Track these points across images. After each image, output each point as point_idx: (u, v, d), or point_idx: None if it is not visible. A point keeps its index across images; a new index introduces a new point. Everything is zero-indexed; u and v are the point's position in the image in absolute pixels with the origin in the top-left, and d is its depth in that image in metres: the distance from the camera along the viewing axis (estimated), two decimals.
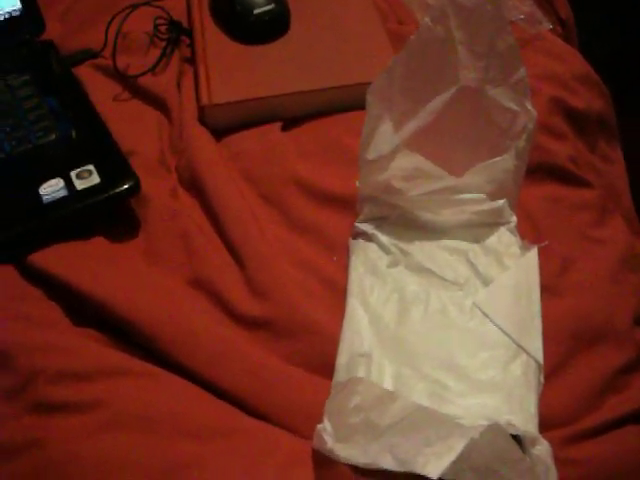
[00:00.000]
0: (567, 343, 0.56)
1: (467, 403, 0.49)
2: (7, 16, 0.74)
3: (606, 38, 1.53)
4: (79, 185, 0.61)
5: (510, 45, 0.52)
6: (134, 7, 0.77)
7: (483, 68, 0.54)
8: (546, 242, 0.59)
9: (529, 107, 0.55)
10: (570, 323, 0.57)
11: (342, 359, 0.51)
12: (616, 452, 0.53)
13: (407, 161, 0.56)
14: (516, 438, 0.46)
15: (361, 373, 0.50)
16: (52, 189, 0.60)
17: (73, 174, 0.61)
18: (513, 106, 0.55)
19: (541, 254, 0.58)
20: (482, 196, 0.58)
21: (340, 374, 0.51)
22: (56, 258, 0.58)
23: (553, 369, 0.54)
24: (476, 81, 0.54)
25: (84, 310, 0.56)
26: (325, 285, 0.58)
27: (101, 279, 0.57)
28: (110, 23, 0.76)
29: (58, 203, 0.60)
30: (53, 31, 0.79)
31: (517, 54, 0.53)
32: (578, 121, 0.74)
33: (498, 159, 0.56)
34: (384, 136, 0.56)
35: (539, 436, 0.47)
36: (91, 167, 0.62)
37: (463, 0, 0.52)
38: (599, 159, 0.75)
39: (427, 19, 0.53)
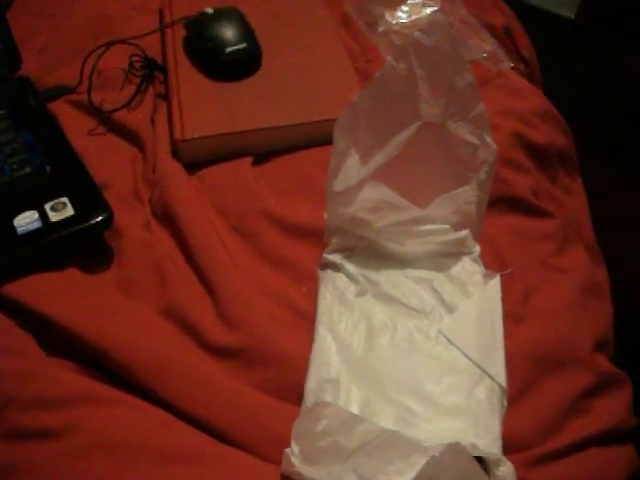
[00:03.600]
0: (530, 368, 0.58)
1: (433, 427, 0.50)
2: None
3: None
4: (53, 217, 0.62)
5: (469, 82, 0.55)
6: (110, 44, 0.78)
7: (444, 104, 0.56)
8: (509, 270, 0.61)
9: (489, 141, 0.57)
10: (533, 349, 0.59)
11: (310, 385, 0.52)
12: (579, 474, 0.54)
13: (373, 193, 0.58)
14: (481, 460, 0.48)
15: (329, 398, 0.51)
16: (26, 221, 0.61)
17: (47, 206, 0.62)
18: (473, 140, 0.57)
19: (504, 282, 0.60)
20: (446, 227, 0.60)
21: (309, 400, 0.51)
22: (30, 289, 0.58)
23: (517, 393, 0.56)
24: (438, 116, 0.57)
25: (58, 340, 0.56)
26: (295, 315, 0.60)
27: (74, 310, 0.57)
28: (86, 60, 0.78)
29: (32, 235, 0.60)
30: (30, 67, 0.80)
31: (475, 91, 0.55)
32: (539, 154, 0.76)
33: (460, 190, 0.58)
34: (351, 169, 0.57)
35: (503, 458, 0.48)
36: (65, 199, 0.63)
37: (423, 39, 0.54)
38: (560, 190, 0.78)
39: (390, 57, 0.56)
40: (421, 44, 0.54)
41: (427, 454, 0.38)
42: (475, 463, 0.41)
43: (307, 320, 0.59)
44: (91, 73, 0.75)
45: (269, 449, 0.51)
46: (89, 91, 0.75)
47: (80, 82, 0.78)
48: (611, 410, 0.59)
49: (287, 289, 0.62)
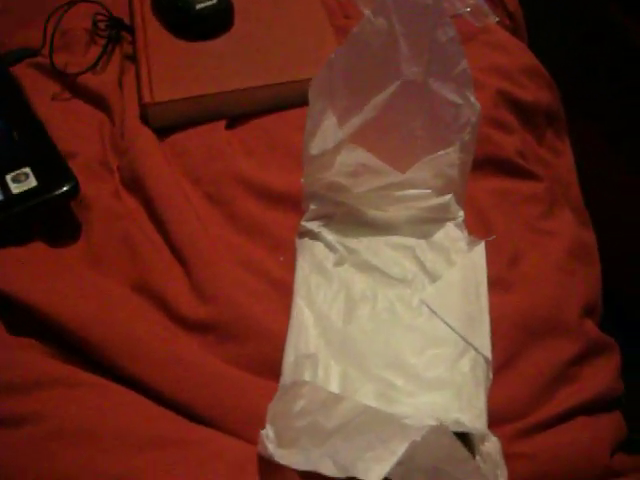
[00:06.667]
0: (517, 337, 0.56)
1: (416, 402, 0.49)
2: None
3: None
4: (15, 189, 0.59)
5: (451, 38, 0.52)
6: (73, 3, 0.74)
7: (425, 61, 0.53)
8: (493, 236, 0.59)
9: (472, 100, 0.54)
10: (519, 317, 0.57)
11: (288, 360, 0.50)
12: (567, 444, 0.53)
13: (352, 157, 0.56)
14: (466, 435, 0.46)
15: (307, 375, 0.49)
16: None
17: (9, 177, 0.59)
18: (456, 99, 0.54)
19: (490, 248, 0.58)
20: (428, 191, 0.58)
21: (287, 376, 0.50)
22: None
23: (503, 363, 0.54)
24: (419, 74, 0.54)
25: (24, 319, 0.54)
26: (272, 286, 0.57)
27: (41, 286, 0.55)
28: (48, 20, 0.73)
29: None
30: None
31: (458, 47, 0.52)
32: (525, 114, 0.74)
33: (442, 153, 0.56)
34: (328, 131, 0.55)
35: (488, 432, 0.47)
36: (27, 170, 0.60)
37: None
38: (547, 151, 0.75)
39: (368, 12, 0.53)
40: None
41: (408, 438, 0.36)
42: (458, 444, 0.40)
43: (284, 291, 0.56)
44: (52, 34, 0.71)
45: (247, 427, 0.49)
46: (51, 53, 0.71)
47: (43, 44, 0.74)
48: (599, 377, 0.58)
49: (263, 259, 0.60)
